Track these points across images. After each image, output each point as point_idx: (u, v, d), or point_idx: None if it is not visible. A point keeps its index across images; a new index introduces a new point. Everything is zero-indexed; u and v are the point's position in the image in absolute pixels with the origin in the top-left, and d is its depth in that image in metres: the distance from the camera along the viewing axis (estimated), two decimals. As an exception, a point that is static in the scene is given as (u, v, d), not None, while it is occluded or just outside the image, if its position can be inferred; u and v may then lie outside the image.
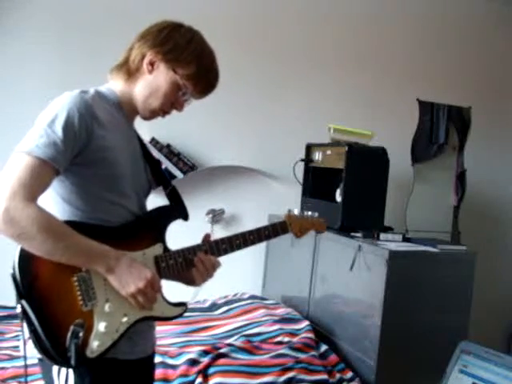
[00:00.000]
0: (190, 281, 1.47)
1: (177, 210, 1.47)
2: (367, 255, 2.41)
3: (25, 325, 1.18)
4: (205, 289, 3.07)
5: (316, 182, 3.01)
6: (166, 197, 1.48)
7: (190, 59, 1.34)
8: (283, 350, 2.37)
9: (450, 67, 3.75)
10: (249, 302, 2.95)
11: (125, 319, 1.28)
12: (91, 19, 3.00)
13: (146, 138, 2.88)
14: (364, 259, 2.41)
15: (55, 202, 1.27)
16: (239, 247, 1.48)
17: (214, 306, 2.95)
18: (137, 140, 1.45)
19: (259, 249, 3.26)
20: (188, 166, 3.14)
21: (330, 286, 2.70)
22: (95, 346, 1.22)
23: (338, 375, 2.32)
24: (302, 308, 2.87)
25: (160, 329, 2.37)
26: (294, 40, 3.40)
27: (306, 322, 2.65)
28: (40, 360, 1.28)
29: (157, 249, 1.36)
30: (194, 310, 2.85)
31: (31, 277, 1.18)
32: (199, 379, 2.12)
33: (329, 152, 2.84)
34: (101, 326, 1.23)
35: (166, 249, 1.38)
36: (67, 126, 1.20)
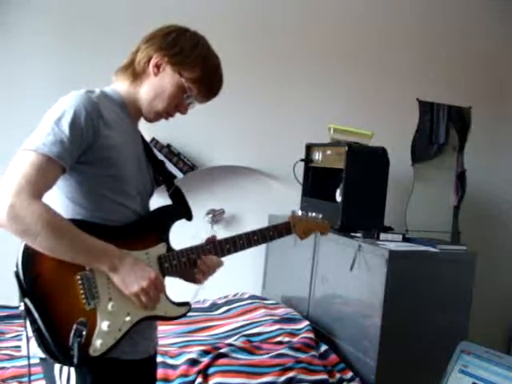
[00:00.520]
0: (192, 278, 1.47)
1: (181, 209, 1.47)
2: (367, 255, 2.41)
3: (28, 324, 1.18)
4: (205, 289, 3.11)
5: (316, 182, 3.01)
6: (169, 197, 1.49)
7: (195, 63, 1.36)
8: (283, 350, 2.37)
9: (451, 67, 3.75)
10: (249, 301, 2.95)
11: (128, 318, 1.28)
12: (92, 19, 3.00)
13: (147, 138, 2.88)
14: (364, 259, 2.42)
15: (59, 199, 1.28)
16: (243, 247, 1.48)
17: (214, 306, 2.95)
18: (141, 140, 1.46)
19: (259, 249, 3.23)
20: (188, 165, 3.14)
21: (330, 286, 2.70)
22: (98, 344, 1.23)
23: (337, 375, 2.32)
24: (301, 308, 2.87)
25: (160, 329, 2.35)
26: (293, 40, 3.40)
27: (306, 322, 2.65)
28: (42, 359, 1.28)
29: (160, 248, 1.37)
30: (194, 309, 2.84)
31: (34, 275, 1.18)
32: (199, 379, 2.12)
33: (329, 152, 2.84)
34: (104, 325, 1.24)
35: (169, 248, 1.39)
36: (74, 124, 1.21)
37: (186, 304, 1.42)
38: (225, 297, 3.07)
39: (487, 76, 3.88)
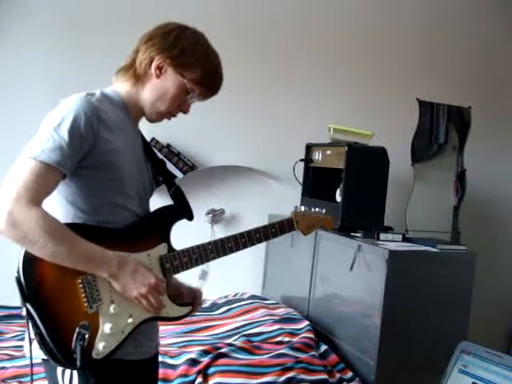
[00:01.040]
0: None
1: (181, 209, 1.47)
2: (367, 255, 2.41)
3: (30, 325, 1.18)
4: (205, 289, 3.10)
5: (316, 182, 3.01)
6: (170, 197, 1.49)
7: (196, 63, 1.36)
8: (283, 350, 2.38)
9: (451, 67, 3.75)
10: (249, 302, 2.95)
11: (130, 320, 1.28)
12: (92, 19, 3.00)
13: (147, 138, 2.88)
14: (364, 259, 2.41)
15: (59, 202, 1.28)
16: (245, 245, 1.48)
17: (214, 306, 2.95)
18: (141, 141, 1.46)
19: (259, 249, 3.26)
20: (188, 165, 3.15)
21: (330, 286, 2.70)
22: (101, 347, 1.23)
23: (337, 375, 2.32)
24: (301, 308, 2.87)
25: (160, 328, 2.36)
26: (293, 40, 3.40)
27: (306, 322, 2.65)
28: (44, 360, 1.29)
29: (161, 249, 1.37)
30: (194, 309, 2.85)
31: (36, 280, 1.19)
32: (199, 379, 2.12)
33: (329, 152, 2.84)
34: (106, 328, 1.24)
35: (170, 249, 1.39)
36: (73, 130, 1.20)
37: (189, 304, 1.43)
38: (225, 297, 3.07)
39: (487, 76, 3.88)
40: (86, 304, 1.22)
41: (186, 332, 2.58)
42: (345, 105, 3.48)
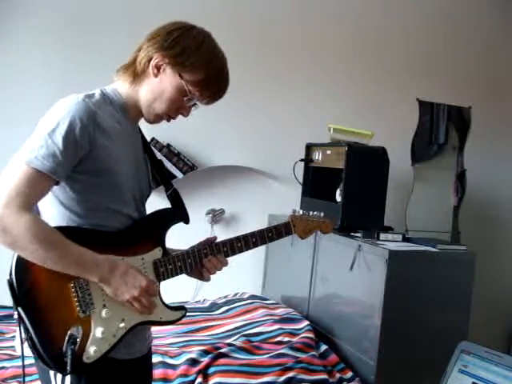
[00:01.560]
0: (196, 275, 1.47)
1: (177, 213, 1.45)
2: (367, 255, 2.41)
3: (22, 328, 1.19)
4: (205, 289, 3.11)
5: (316, 182, 3.01)
6: (167, 198, 1.47)
7: (198, 65, 1.30)
8: (283, 350, 2.38)
9: (451, 67, 3.75)
10: (249, 301, 2.95)
11: (122, 324, 1.28)
12: (92, 18, 3.00)
13: (147, 138, 2.89)
14: (364, 259, 2.41)
15: (54, 205, 1.27)
16: (241, 250, 1.46)
17: (214, 306, 2.95)
18: (141, 141, 1.45)
19: (259, 249, 3.24)
20: (188, 165, 3.15)
21: (330, 286, 2.70)
22: (92, 351, 1.23)
23: (337, 375, 2.32)
24: (301, 308, 2.87)
25: (160, 328, 2.37)
26: (293, 39, 3.40)
27: (306, 322, 2.65)
28: (37, 359, 1.28)
29: (156, 253, 1.36)
30: (194, 309, 2.85)
31: (28, 284, 1.19)
32: (199, 379, 2.12)
33: (329, 152, 2.84)
34: (98, 332, 1.24)
35: (165, 253, 1.37)
36: (68, 136, 1.18)
37: (182, 308, 1.41)
38: (225, 297, 3.08)
39: (487, 76, 3.88)
40: (78, 308, 1.23)
41: (186, 332, 2.58)
42: (345, 105, 3.48)
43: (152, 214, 1.40)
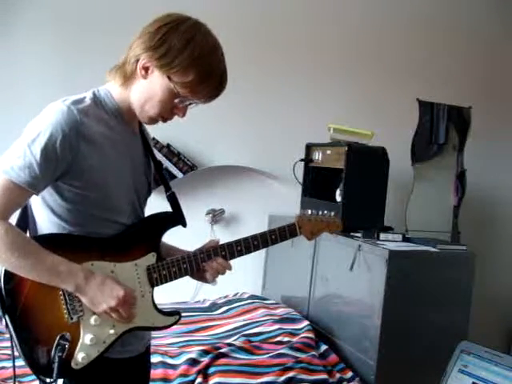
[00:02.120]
0: (200, 279, 1.45)
1: (172, 218, 1.41)
2: (367, 255, 2.41)
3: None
4: (205, 289, 3.11)
5: (316, 182, 3.01)
6: (167, 198, 1.44)
7: (186, 65, 1.20)
8: (283, 350, 2.38)
9: (451, 67, 3.75)
10: (249, 301, 2.95)
11: (112, 331, 1.27)
12: (90, 17, 2.99)
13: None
14: (364, 259, 2.41)
15: (46, 213, 1.26)
16: (241, 254, 1.41)
17: (214, 306, 2.95)
18: (141, 143, 1.40)
19: (259, 249, 3.26)
20: (188, 165, 3.15)
21: (330, 286, 2.69)
22: (80, 358, 1.23)
23: (337, 375, 2.32)
24: (301, 308, 2.87)
25: (160, 329, 2.37)
26: (294, 39, 3.39)
27: (306, 322, 2.65)
28: None
29: (149, 259, 1.33)
30: (194, 309, 2.85)
31: (15, 292, 1.20)
32: (199, 379, 2.12)
33: (329, 152, 2.84)
34: (87, 339, 1.23)
35: (159, 258, 1.35)
36: (47, 149, 1.15)
37: (176, 313, 1.39)
38: (225, 297, 3.07)
39: (487, 76, 3.88)
40: (66, 316, 1.22)
41: (186, 332, 2.58)
42: (345, 105, 3.48)
43: (146, 218, 1.39)
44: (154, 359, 2.12)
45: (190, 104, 1.29)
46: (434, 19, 3.70)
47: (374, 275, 2.34)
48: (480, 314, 2.79)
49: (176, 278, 1.37)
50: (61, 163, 1.18)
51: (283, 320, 2.68)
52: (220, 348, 2.33)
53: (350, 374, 2.34)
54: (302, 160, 3.01)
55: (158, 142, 3.08)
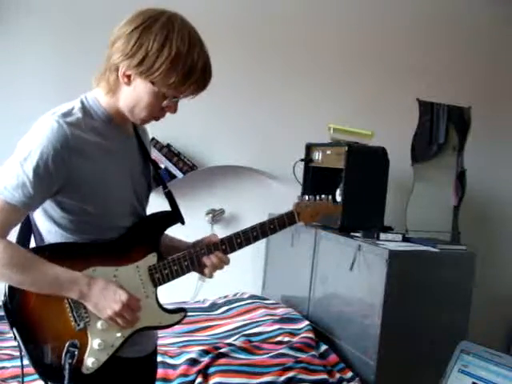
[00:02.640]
0: (199, 272, 1.45)
1: (169, 216, 1.41)
2: (367, 255, 2.41)
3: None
4: (205, 289, 3.11)
5: (316, 182, 3.01)
6: (165, 195, 1.44)
7: (166, 67, 1.18)
8: (283, 350, 2.38)
9: (451, 67, 3.75)
10: (249, 301, 2.95)
11: (119, 334, 1.28)
12: (90, 17, 2.99)
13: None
14: (364, 259, 2.41)
15: (48, 222, 1.27)
16: (241, 246, 1.42)
17: (214, 306, 2.95)
18: (135, 144, 1.39)
19: (259, 248, 3.26)
20: (188, 165, 3.14)
21: (330, 286, 2.69)
22: (90, 363, 1.24)
23: (337, 375, 2.32)
24: (301, 308, 2.87)
25: (160, 329, 2.36)
26: (294, 39, 3.39)
27: (306, 322, 2.65)
28: None
29: (150, 259, 1.34)
30: (194, 309, 2.85)
31: (21, 305, 1.22)
32: (199, 379, 2.12)
33: (329, 152, 2.84)
34: (95, 344, 1.25)
35: (160, 257, 1.36)
36: (39, 168, 1.15)
37: (182, 310, 1.40)
38: (225, 297, 3.07)
39: (487, 76, 3.88)
40: (73, 323, 1.24)
41: (186, 332, 2.58)
42: (345, 105, 3.48)
43: (144, 219, 1.39)
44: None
45: (177, 101, 1.28)
46: (434, 19, 3.70)
47: (374, 275, 2.34)
48: (480, 314, 2.79)
49: (178, 276, 1.37)
50: (56, 179, 1.18)
51: (283, 320, 2.68)
52: (220, 348, 2.33)
53: (350, 374, 2.34)
54: (302, 160, 3.01)
55: (158, 142, 3.08)
